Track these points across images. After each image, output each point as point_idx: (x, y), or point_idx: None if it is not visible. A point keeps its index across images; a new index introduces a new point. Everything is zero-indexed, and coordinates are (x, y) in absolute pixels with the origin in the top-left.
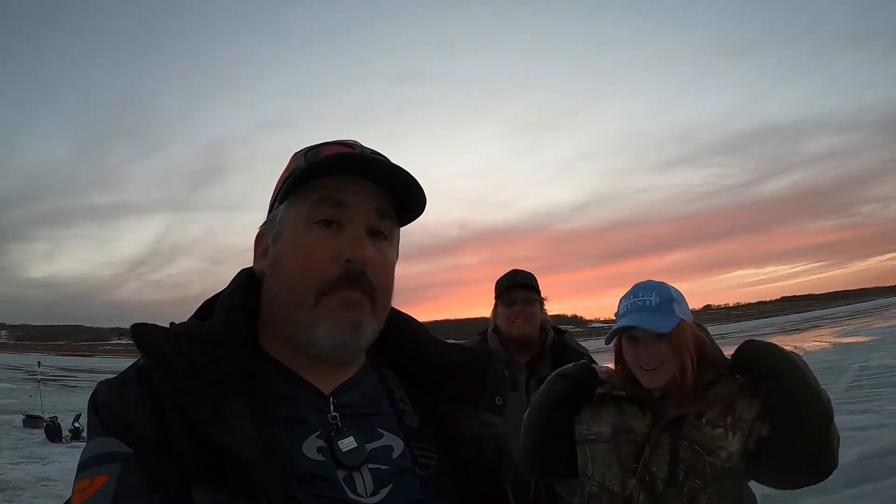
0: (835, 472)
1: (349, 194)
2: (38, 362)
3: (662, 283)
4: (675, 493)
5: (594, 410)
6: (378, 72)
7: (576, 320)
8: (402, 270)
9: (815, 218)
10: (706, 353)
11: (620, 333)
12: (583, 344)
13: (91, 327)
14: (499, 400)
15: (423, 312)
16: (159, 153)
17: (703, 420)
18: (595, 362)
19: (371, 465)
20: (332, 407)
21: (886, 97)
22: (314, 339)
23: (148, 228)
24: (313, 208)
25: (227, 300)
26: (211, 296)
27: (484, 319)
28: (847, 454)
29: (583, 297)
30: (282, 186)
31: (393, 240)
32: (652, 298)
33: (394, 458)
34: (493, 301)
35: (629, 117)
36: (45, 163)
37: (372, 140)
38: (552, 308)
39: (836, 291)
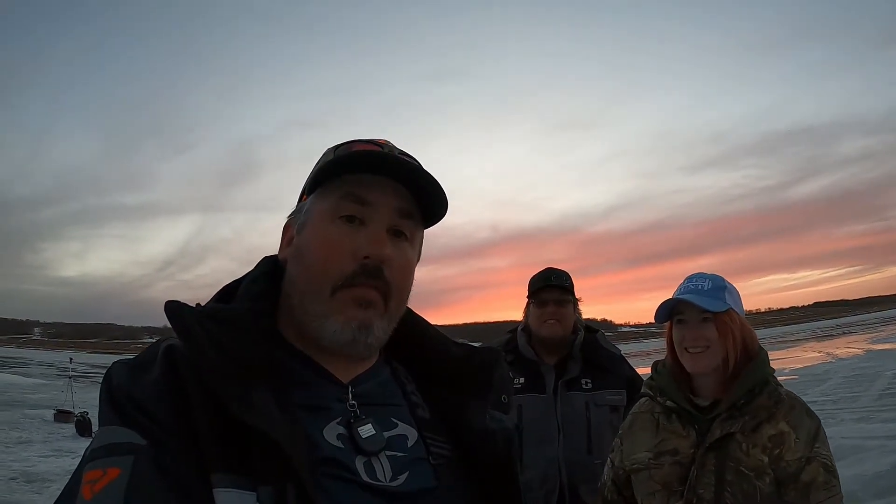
0: (866, 481)
1: (373, 192)
2: (70, 359)
3: (718, 275)
4: None
5: (631, 435)
6: (408, 71)
7: (606, 324)
8: (432, 272)
9: (848, 221)
10: (754, 348)
11: (671, 315)
12: None
13: (122, 325)
14: (504, 398)
15: (453, 315)
16: (188, 152)
17: (751, 444)
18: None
19: (388, 453)
20: (350, 395)
21: None
22: (324, 331)
23: (177, 228)
24: (338, 203)
25: (251, 287)
26: (232, 280)
27: (513, 322)
28: (880, 463)
29: (613, 300)
30: (310, 178)
31: (415, 240)
32: (705, 284)
33: (409, 446)
34: (526, 299)
35: (660, 118)
36: (73, 162)
37: (401, 140)
38: (583, 312)
39: (870, 297)
